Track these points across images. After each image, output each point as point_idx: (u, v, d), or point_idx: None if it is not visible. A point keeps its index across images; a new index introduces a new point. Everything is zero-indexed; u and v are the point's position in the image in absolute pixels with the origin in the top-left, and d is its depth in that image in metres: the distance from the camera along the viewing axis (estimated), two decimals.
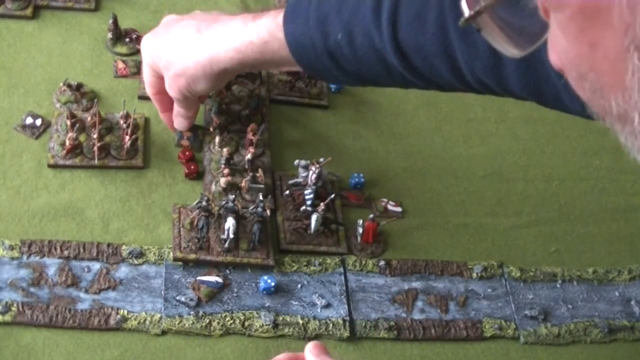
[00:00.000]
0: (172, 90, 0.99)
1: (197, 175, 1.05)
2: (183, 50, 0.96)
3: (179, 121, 1.05)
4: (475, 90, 0.88)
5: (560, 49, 0.48)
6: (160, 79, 1.01)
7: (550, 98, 0.80)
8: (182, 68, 0.96)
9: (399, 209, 1.08)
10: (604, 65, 0.45)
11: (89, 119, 1.05)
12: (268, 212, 0.99)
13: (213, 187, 1.03)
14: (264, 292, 0.96)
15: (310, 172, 1.03)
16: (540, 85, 0.79)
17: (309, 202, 1.02)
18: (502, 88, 0.84)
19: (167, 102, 1.04)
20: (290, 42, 0.91)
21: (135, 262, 0.96)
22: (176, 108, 1.04)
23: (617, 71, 0.44)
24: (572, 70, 0.49)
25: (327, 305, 0.97)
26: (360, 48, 0.88)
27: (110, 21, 1.15)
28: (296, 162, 1.06)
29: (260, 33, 0.92)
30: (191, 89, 0.98)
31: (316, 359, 0.74)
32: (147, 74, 1.02)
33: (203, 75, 0.96)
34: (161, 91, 1.02)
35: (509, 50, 0.53)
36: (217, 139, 1.07)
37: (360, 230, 1.03)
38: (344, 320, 0.96)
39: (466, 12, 0.50)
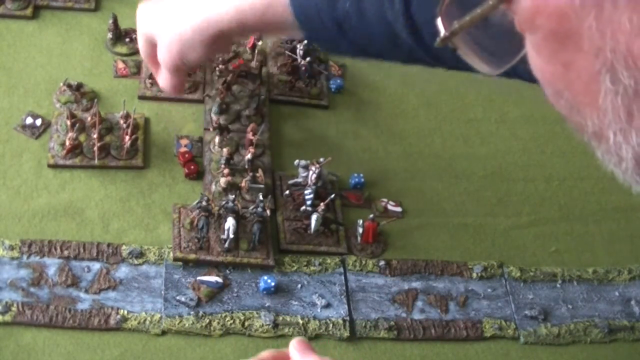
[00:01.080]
0: (164, 59, 0.95)
1: (197, 175, 1.05)
2: (179, 14, 0.93)
3: (164, 81, 0.99)
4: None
5: (536, 67, 0.48)
6: (154, 46, 0.96)
7: None
8: (177, 32, 0.93)
9: (399, 209, 1.08)
10: (578, 85, 0.46)
11: (89, 119, 1.05)
12: (268, 212, 0.99)
13: (213, 187, 1.03)
14: (264, 292, 0.96)
15: (310, 172, 1.03)
16: None
17: (309, 202, 1.02)
18: (511, 69, 0.83)
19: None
20: (296, 8, 0.88)
21: (135, 262, 0.96)
22: (164, 71, 0.99)
23: (590, 91, 0.45)
24: (548, 87, 0.49)
25: (327, 305, 0.97)
26: (370, 18, 0.85)
27: (110, 21, 1.15)
28: (296, 162, 1.06)
29: None
30: (184, 56, 0.94)
31: (300, 354, 0.73)
32: (140, 43, 0.98)
33: (200, 38, 0.92)
34: (155, 56, 0.97)
35: (484, 68, 0.53)
36: (217, 139, 1.07)
37: (360, 230, 1.03)
38: (344, 320, 0.96)
39: (442, 32, 0.51)
